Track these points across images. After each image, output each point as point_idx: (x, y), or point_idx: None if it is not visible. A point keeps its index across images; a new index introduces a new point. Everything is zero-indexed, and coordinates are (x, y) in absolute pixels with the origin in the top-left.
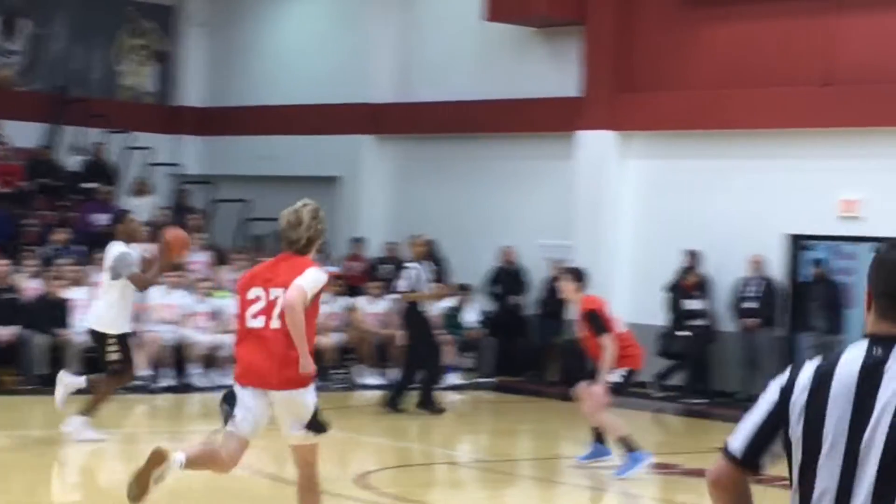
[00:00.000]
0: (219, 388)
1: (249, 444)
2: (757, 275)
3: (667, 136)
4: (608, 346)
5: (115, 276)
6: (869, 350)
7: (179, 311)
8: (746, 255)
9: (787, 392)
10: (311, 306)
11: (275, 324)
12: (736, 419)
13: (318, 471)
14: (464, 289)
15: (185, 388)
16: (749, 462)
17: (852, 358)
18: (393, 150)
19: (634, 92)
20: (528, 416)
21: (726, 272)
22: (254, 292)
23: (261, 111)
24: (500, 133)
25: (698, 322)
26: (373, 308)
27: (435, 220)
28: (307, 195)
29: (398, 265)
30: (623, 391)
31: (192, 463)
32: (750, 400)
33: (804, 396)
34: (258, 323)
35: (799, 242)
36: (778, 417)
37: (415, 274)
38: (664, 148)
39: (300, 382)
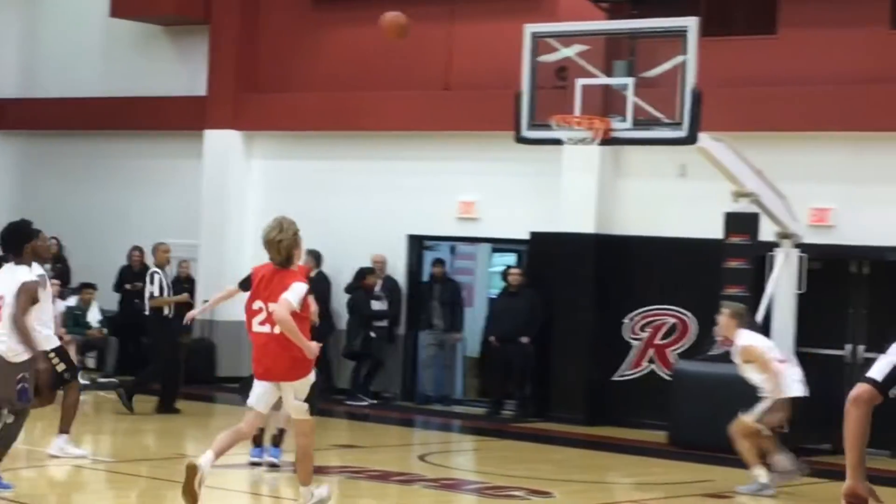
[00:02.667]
0: None
1: (264, 418)
2: (380, 274)
3: (292, 136)
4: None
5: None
6: None
7: None
8: (370, 255)
9: None
10: (302, 308)
11: (277, 329)
12: (356, 416)
13: (313, 442)
14: (87, 288)
15: None
16: (884, 387)
17: None
18: (15, 146)
19: (259, 92)
20: (153, 416)
21: (350, 272)
22: (257, 304)
23: None
24: (128, 130)
25: (381, 324)
26: None
27: (60, 218)
28: None
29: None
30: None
31: (220, 452)
32: (376, 397)
33: None
34: (264, 329)
35: (420, 242)
36: None
37: (158, 279)
38: (289, 148)
39: (303, 373)
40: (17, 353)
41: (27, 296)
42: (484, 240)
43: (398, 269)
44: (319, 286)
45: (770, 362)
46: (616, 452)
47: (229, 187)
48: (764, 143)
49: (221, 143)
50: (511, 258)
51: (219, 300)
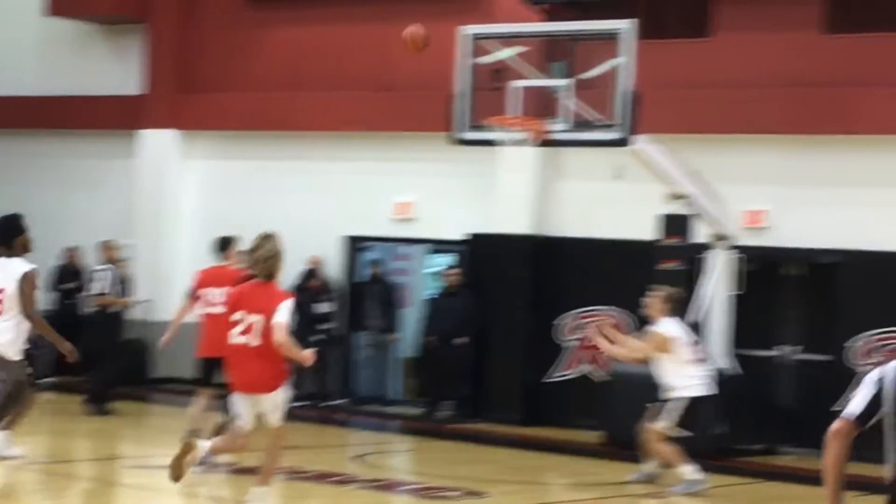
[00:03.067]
0: None
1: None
2: (319, 276)
3: (229, 136)
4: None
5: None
6: None
7: None
8: (306, 256)
9: (881, 381)
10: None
11: (254, 342)
12: (294, 417)
13: (283, 444)
14: None
15: None
16: (862, 421)
17: None
18: None
19: (197, 92)
20: (88, 417)
21: (286, 272)
22: (238, 315)
23: None
24: (61, 129)
25: (327, 326)
26: None
27: None
28: None
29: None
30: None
31: (215, 450)
32: (313, 398)
33: (891, 385)
34: (242, 340)
35: (356, 243)
36: (878, 396)
37: (109, 276)
38: (226, 148)
39: (277, 385)
40: (17, 351)
41: (31, 286)
42: (420, 241)
43: (333, 270)
44: None
45: (664, 362)
46: (552, 453)
47: (166, 187)
48: (698, 145)
49: (158, 142)
50: (448, 259)
51: (180, 317)
